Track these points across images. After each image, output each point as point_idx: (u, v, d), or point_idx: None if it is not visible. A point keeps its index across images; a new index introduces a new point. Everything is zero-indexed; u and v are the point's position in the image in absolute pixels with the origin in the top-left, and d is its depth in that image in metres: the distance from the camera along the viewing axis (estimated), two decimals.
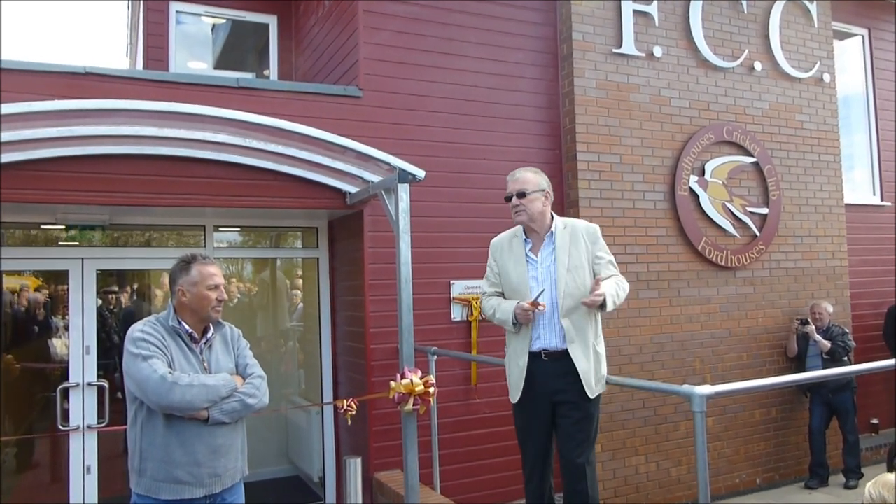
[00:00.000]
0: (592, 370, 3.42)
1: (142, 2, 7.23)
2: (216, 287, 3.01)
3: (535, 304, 3.37)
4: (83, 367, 5.01)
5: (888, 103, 8.43)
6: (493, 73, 5.97)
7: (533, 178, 3.54)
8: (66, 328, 5.11)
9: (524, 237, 3.60)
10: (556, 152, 6.18)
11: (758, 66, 6.98)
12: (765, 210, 6.91)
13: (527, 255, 3.56)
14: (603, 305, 3.34)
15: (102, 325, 5.34)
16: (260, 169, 4.92)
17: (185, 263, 3.03)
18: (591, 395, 3.41)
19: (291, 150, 4.83)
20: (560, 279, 3.44)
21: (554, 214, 3.61)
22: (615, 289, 3.42)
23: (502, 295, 3.62)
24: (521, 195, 3.51)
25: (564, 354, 3.41)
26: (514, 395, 3.57)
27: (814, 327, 6.70)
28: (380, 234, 5.30)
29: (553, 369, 3.43)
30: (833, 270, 7.32)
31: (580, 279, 3.44)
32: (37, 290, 5.55)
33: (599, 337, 3.53)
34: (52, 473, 5.37)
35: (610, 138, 6.18)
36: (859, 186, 8.35)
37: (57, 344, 5.46)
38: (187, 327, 3.00)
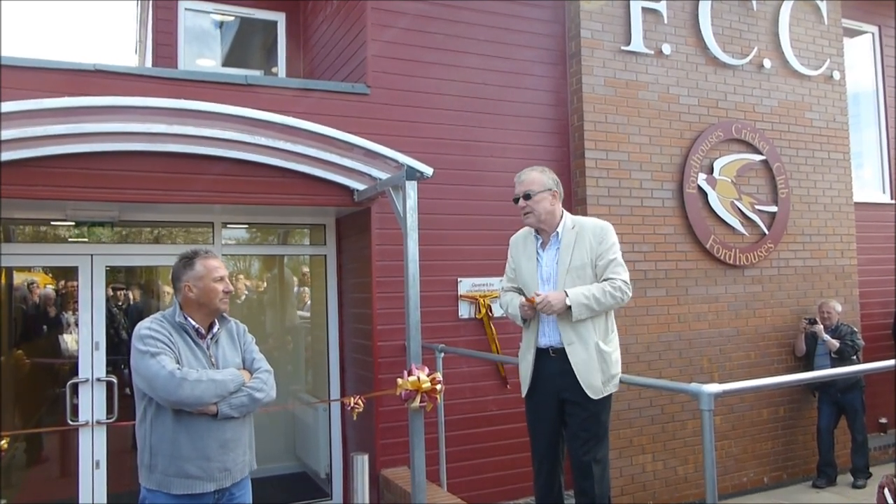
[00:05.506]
0: (597, 370, 3.36)
1: None
2: (221, 279, 3.05)
3: (531, 300, 3.40)
4: (92, 363, 5.04)
5: None
6: (501, 71, 5.96)
7: (539, 178, 3.53)
8: (76, 324, 5.14)
9: (535, 234, 3.62)
10: (563, 150, 6.17)
11: (767, 63, 6.95)
12: (774, 208, 6.88)
13: (537, 252, 3.59)
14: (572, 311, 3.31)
15: (111, 321, 5.36)
16: (268, 166, 4.94)
17: (188, 259, 3.06)
18: (595, 396, 3.35)
19: (299, 147, 4.84)
20: (560, 278, 3.44)
21: (565, 212, 3.61)
22: (590, 298, 3.32)
23: (519, 290, 3.63)
24: (528, 196, 3.50)
25: (566, 353, 3.41)
26: (524, 389, 3.62)
27: (822, 326, 6.68)
28: (387, 232, 5.30)
29: (558, 367, 3.43)
30: (842, 269, 7.29)
31: (582, 279, 3.42)
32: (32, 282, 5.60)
33: (609, 336, 3.47)
34: (61, 468, 5.41)
35: (618, 136, 6.17)
36: (868, 184, 8.31)
37: (67, 339, 5.50)
38: (194, 323, 3.02)
